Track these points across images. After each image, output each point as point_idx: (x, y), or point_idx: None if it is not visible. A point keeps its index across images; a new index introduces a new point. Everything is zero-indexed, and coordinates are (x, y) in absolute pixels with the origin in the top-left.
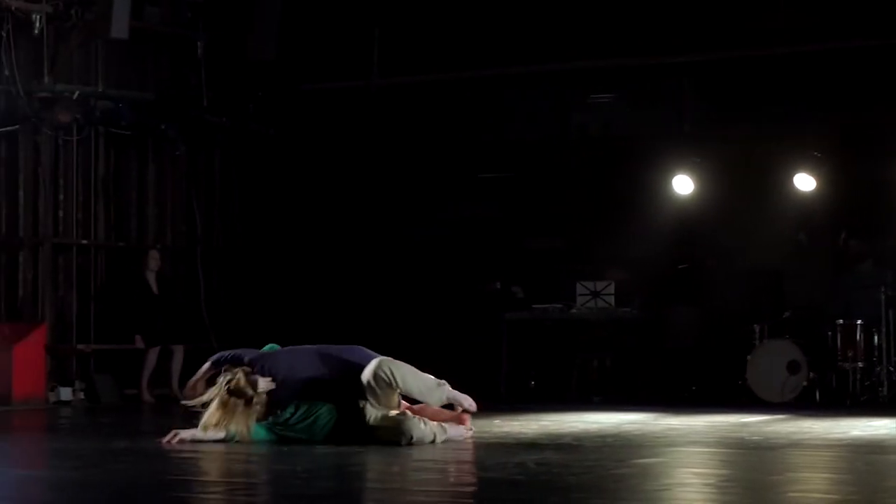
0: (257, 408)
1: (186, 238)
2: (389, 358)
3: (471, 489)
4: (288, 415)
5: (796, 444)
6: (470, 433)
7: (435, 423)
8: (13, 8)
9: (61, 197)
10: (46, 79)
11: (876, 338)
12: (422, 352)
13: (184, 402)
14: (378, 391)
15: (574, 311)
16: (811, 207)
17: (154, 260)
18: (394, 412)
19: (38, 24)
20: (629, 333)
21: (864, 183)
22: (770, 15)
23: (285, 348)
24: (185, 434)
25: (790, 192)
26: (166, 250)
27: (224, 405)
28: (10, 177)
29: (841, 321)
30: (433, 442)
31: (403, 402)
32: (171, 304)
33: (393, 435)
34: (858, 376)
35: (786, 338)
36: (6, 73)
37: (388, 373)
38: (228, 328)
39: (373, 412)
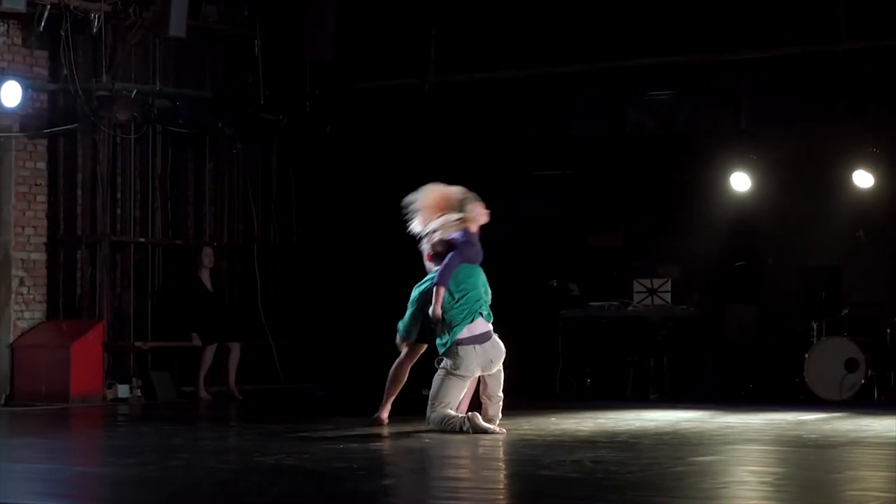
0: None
1: (243, 236)
2: None
3: (528, 487)
4: None
5: (854, 443)
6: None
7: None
8: (72, 7)
9: (119, 195)
10: (104, 77)
11: None
12: None
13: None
14: None
15: (630, 308)
16: (869, 204)
17: (208, 257)
18: None
19: (96, 23)
20: (686, 331)
21: None
22: (828, 10)
23: None
24: None
25: (848, 188)
26: (223, 248)
27: None
28: (68, 175)
29: None
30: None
31: None
32: (226, 301)
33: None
34: None
35: (843, 335)
36: (65, 72)
37: None
38: (285, 326)
39: None
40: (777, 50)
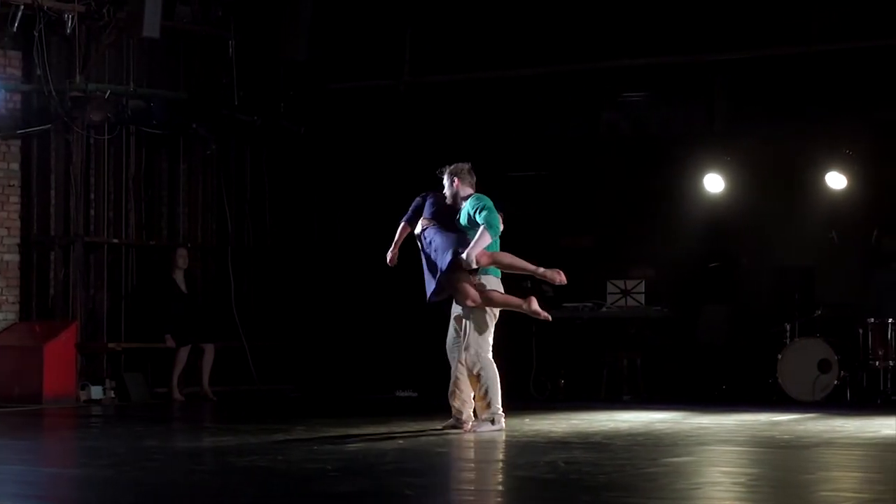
0: None
1: (217, 237)
2: None
3: (502, 488)
4: None
5: (827, 443)
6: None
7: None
8: (45, 7)
9: (92, 196)
10: (78, 78)
11: None
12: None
13: None
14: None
15: (604, 309)
16: (842, 206)
17: (182, 258)
18: None
19: (70, 24)
20: (659, 332)
21: (895, 181)
22: (801, 13)
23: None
24: None
25: (821, 190)
26: (197, 249)
27: None
28: (42, 176)
29: (872, 320)
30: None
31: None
32: (199, 302)
33: None
34: (890, 375)
35: (817, 336)
36: (38, 72)
37: None
38: (259, 327)
39: None
40: (750, 52)
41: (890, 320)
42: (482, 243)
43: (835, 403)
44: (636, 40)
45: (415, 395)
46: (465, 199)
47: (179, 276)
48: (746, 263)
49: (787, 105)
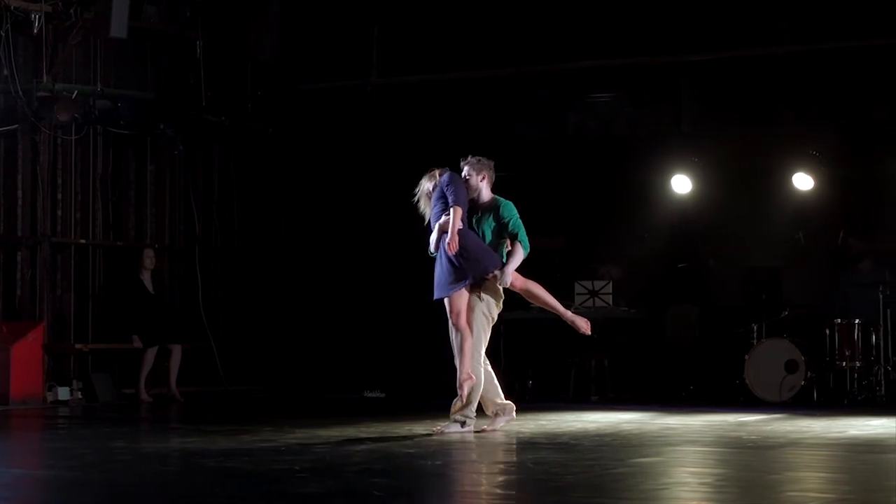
0: None
1: (185, 237)
2: None
3: (469, 488)
4: None
5: (794, 444)
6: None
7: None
8: (12, 7)
9: (59, 196)
10: (45, 78)
11: (874, 337)
12: (419, 351)
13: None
14: None
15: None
16: (809, 206)
17: (149, 258)
18: None
19: (37, 24)
20: (627, 333)
21: (861, 182)
22: (768, 15)
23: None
24: None
25: (788, 191)
26: (164, 250)
27: None
28: (8, 176)
29: (839, 320)
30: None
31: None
32: (167, 303)
33: None
34: (856, 375)
35: (784, 337)
36: (5, 72)
37: None
38: (226, 328)
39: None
40: (717, 53)
41: (856, 321)
42: (517, 263)
43: (802, 404)
44: (604, 41)
45: (382, 395)
46: (489, 202)
47: (147, 277)
48: (714, 264)
49: (754, 106)
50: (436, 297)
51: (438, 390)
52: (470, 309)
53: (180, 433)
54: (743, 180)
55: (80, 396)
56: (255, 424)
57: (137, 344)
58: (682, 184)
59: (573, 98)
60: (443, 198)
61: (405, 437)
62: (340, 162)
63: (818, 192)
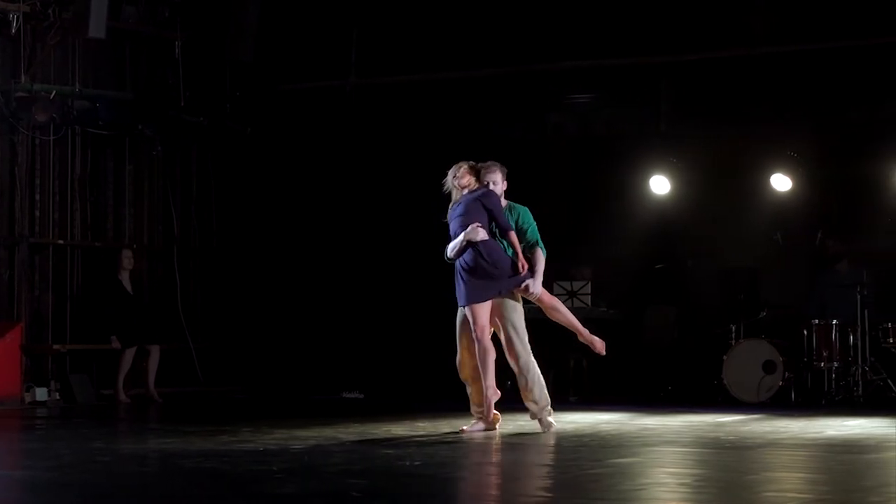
0: None
1: (163, 238)
2: None
3: (445, 489)
4: None
5: (772, 444)
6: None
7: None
8: None
9: (38, 197)
10: (23, 78)
11: (851, 338)
12: (397, 353)
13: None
14: None
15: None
16: (787, 207)
17: (128, 259)
18: None
19: (15, 24)
20: (606, 333)
21: (839, 183)
22: (746, 16)
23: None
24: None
25: (766, 192)
26: (143, 250)
27: None
28: None
29: (817, 321)
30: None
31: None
32: (145, 303)
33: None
34: (834, 376)
35: (762, 338)
36: None
37: None
38: (204, 328)
39: None
40: (696, 54)
41: (834, 322)
42: (542, 273)
43: (779, 404)
44: (582, 42)
45: (361, 396)
46: (504, 207)
47: (125, 278)
48: (692, 265)
49: (732, 107)
50: (465, 304)
51: (417, 391)
52: (504, 316)
53: (158, 434)
54: (721, 181)
55: (57, 397)
56: (234, 425)
57: (116, 344)
58: (660, 184)
59: (552, 99)
60: (477, 212)
61: (384, 438)
62: (319, 162)
63: (796, 192)
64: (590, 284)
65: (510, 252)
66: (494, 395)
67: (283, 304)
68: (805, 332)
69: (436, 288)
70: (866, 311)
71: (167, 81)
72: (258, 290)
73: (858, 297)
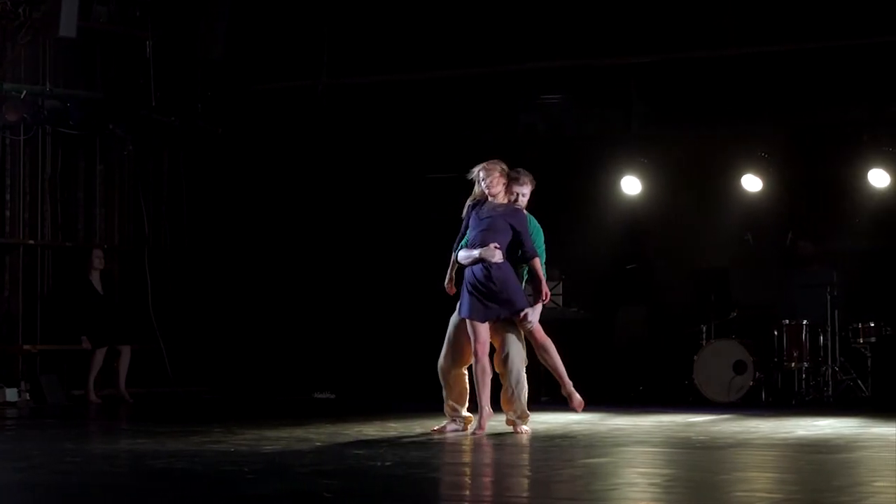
0: None
1: (134, 238)
2: None
3: (416, 490)
4: None
5: (742, 444)
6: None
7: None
8: None
9: (8, 196)
10: None
11: (821, 338)
12: (368, 353)
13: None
14: None
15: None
16: (758, 208)
17: (98, 259)
18: None
19: None
20: (576, 333)
21: (810, 184)
22: (717, 17)
23: None
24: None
25: (737, 192)
26: (114, 250)
27: None
28: None
29: (787, 321)
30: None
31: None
32: (116, 303)
33: None
34: (804, 376)
35: (732, 338)
36: None
37: None
38: (176, 328)
39: None
40: (667, 55)
41: (804, 322)
42: (539, 308)
43: (750, 404)
44: (553, 43)
45: (332, 396)
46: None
47: (96, 278)
48: (663, 265)
49: (703, 108)
50: (465, 316)
51: (389, 391)
52: (504, 327)
53: (129, 434)
54: (692, 182)
55: (28, 398)
56: (205, 425)
57: (86, 345)
58: (631, 185)
59: (523, 99)
60: (504, 231)
61: (355, 439)
62: (291, 162)
63: (767, 193)
64: (561, 285)
65: (524, 274)
66: (489, 415)
67: (255, 304)
68: (775, 333)
69: (407, 288)
70: (836, 312)
71: (138, 81)
72: (229, 291)
73: (828, 297)
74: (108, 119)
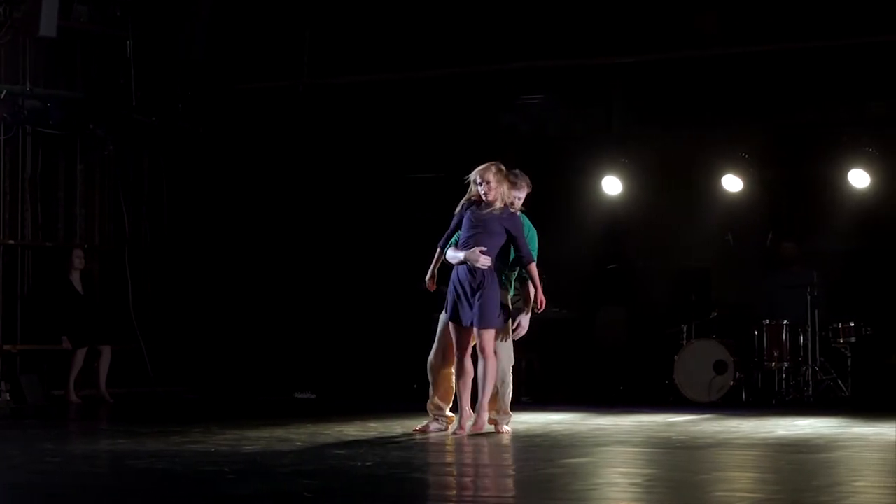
0: None
1: (114, 238)
2: None
3: (398, 490)
4: None
5: (722, 444)
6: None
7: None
8: None
9: None
10: None
11: (801, 338)
12: (349, 353)
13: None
14: None
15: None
16: (738, 208)
17: (78, 259)
18: None
19: None
20: (558, 333)
21: (790, 184)
22: (698, 17)
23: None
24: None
25: (718, 192)
26: (94, 250)
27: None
28: None
29: (767, 321)
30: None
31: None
32: (96, 303)
33: None
34: (784, 376)
35: (713, 338)
36: None
37: None
38: (156, 328)
39: None
40: (648, 55)
41: (784, 322)
42: (526, 324)
43: (730, 404)
44: (535, 43)
45: (313, 396)
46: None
47: (76, 278)
48: (643, 265)
49: (684, 108)
50: (449, 318)
51: (369, 391)
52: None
53: (110, 434)
54: (673, 182)
55: (8, 398)
56: (185, 426)
57: (67, 345)
58: (612, 185)
59: (504, 99)
60: (498, 234)
61: (336, 439)
62: (272, 162)
63: (747, 193)
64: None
65: (513, 279)
66: (468, 418)
67: (236, 304)
68: (756, 333)
69: (388, 288)
70: (816, 312)
71: (119, 81)
72: (210, 291)
73: (809, 297)
74: (88, 119)
